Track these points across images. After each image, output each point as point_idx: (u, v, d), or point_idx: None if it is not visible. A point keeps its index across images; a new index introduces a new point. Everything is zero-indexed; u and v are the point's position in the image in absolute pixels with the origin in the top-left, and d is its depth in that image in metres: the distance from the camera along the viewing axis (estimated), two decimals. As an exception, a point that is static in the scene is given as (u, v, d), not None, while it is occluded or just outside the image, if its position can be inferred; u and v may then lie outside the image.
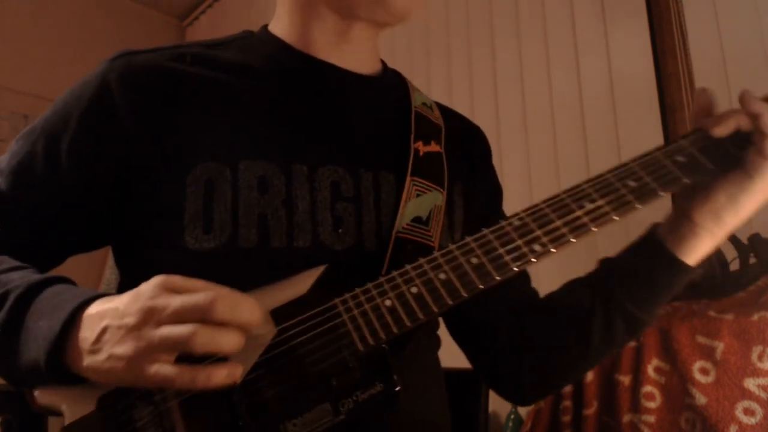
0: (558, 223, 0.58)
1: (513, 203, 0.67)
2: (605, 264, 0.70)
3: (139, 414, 0.50)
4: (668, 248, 0.64)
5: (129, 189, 0.62)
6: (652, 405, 0.88)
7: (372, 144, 0.70)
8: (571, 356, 0.70)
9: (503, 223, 0.59)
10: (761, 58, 1.25)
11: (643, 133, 1.41)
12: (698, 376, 0.84)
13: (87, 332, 0.49)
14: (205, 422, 0.51)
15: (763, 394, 0.79)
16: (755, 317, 0.84)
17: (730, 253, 1.02)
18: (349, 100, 0.71)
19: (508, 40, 1.76)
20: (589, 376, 0.98)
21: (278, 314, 0.54)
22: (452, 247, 0.57)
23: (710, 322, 0.88)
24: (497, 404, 1.38)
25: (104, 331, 0.48)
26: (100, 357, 0.48)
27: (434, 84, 1.91)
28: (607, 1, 1.55)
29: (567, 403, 1.00)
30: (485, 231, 0.58)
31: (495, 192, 0.83)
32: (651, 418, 0.87)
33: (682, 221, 0.64)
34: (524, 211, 0.59)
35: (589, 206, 0.59)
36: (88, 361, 0.49)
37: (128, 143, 0.61)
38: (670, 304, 1.03)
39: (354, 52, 0.72)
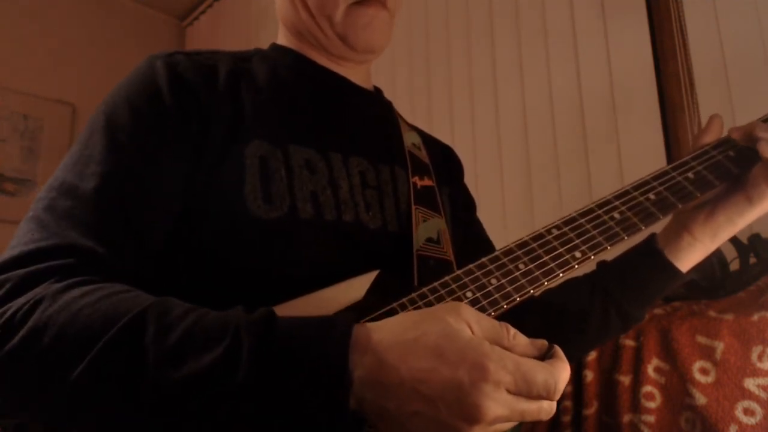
0: (594, 232, 0.62)
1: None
2: (604, 266, 0.78)
3: None
4: (667, 257, 0.72)
5: (198, 166, 0.62)
6: (652, 405, 0.88)
7: (383, 144, 0.77)
8: (566, 346, 0.76)
9: (543, 231, 0.62)
10: (761, 58, 1.25)
11: (643, 133, 1.41)
12: (698, 376, 0.84)
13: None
14: None
15: (763, 394, 0.79)
16: (755, 317, 0.84)
17: (730, 253, 1.02)
18: (359, 105, 0.79)
19: (508, 40, 1.76)
20: (589, 376, 0.98)
21: None
22: (498, 253, 0.60)
23: (710, 322, 0.88)
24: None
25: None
26: None
27: (434, 85, 1.91)
28: (607, 1, 1.55)
29: (567, 403, 1.00)
30: (527, 238, 0.61)
31: (471, 202, 0.93)
32: (651, 418, 0.87)
33: (681, 234, 0.72)
34: (560, 220, 0.63)
35: (618, 216, 0.64)
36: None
37: (206, 117, 0.63)
38: (670, 304, 1.04)
39: (349, 75, 0.79)
